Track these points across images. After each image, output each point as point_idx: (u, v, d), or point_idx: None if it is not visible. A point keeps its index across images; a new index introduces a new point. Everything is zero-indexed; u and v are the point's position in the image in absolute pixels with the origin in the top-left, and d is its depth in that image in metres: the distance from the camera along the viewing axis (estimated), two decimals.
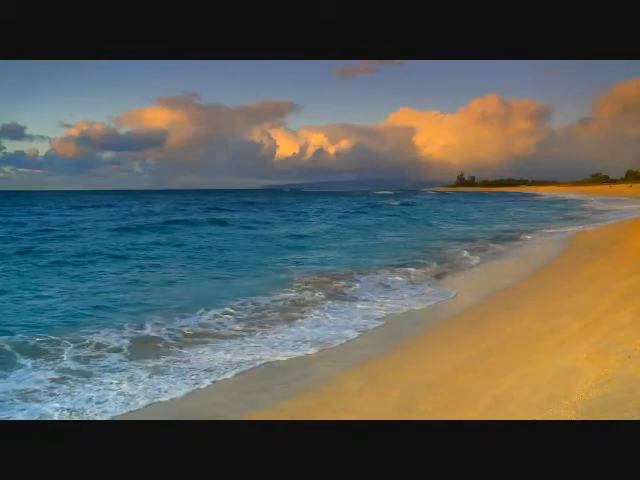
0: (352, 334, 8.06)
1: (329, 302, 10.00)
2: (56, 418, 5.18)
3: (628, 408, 3.45)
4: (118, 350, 7.17)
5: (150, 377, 6.25)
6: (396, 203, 58.51)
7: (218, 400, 5.70)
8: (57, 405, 5.46)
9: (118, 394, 5.76)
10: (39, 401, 5.56)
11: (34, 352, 6.97)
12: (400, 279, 12.38)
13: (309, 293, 10.64)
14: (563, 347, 5.89)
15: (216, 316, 8.88)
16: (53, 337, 7.54)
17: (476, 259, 15.62)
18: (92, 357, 6.91)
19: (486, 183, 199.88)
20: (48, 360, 6.73)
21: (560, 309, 8.07)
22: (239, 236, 22.78)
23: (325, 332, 8.12)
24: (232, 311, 9.18)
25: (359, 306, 9.80)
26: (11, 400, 5.57)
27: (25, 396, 5.67)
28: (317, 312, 9.30)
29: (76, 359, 6.80)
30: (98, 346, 7.28)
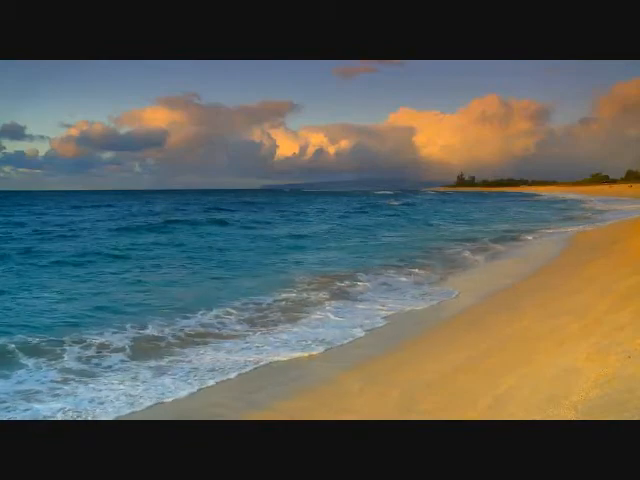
0: (359, 333, 8.05)
1: (331, 302, 9.99)
2: (58, 418, 5.17)
3: (628, 408, 3.46)
4: (120, 350, 7.17)
5: (153, 377, 6.25)
6: (396, 203, 58.54)
7: (219, 400, 5.70)
8: (60, 405, 5.45)
9: (121, 394, 5.75)
10: (41, 402, 5.55)
11: (36, 352, 6.97)
12: (401, 279, 12.38)
13: (310, 293, 10.65)
14: (563, 347, 5.89)
15: (217, 316, 8.88)
16: (54, 337, 7.54)
17: (476, 259, 15.63)
18: (94, 357, 6.92)
19: (486, 183, 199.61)
20: (50, 360, 6.73)
21: (560, 309, 8.07)
22: (239, 236, 22.78)
23: (328, 332, 8.11)
24: (233, 311, 9.19)
25: (361, 306, 9.80)
26: (13, 400, 5.56)
27: (28, 397, 5.66)
28: (319, 312, 9.29)
29: (78, 359, 6.80)
30: (100, 346, 7.29)
